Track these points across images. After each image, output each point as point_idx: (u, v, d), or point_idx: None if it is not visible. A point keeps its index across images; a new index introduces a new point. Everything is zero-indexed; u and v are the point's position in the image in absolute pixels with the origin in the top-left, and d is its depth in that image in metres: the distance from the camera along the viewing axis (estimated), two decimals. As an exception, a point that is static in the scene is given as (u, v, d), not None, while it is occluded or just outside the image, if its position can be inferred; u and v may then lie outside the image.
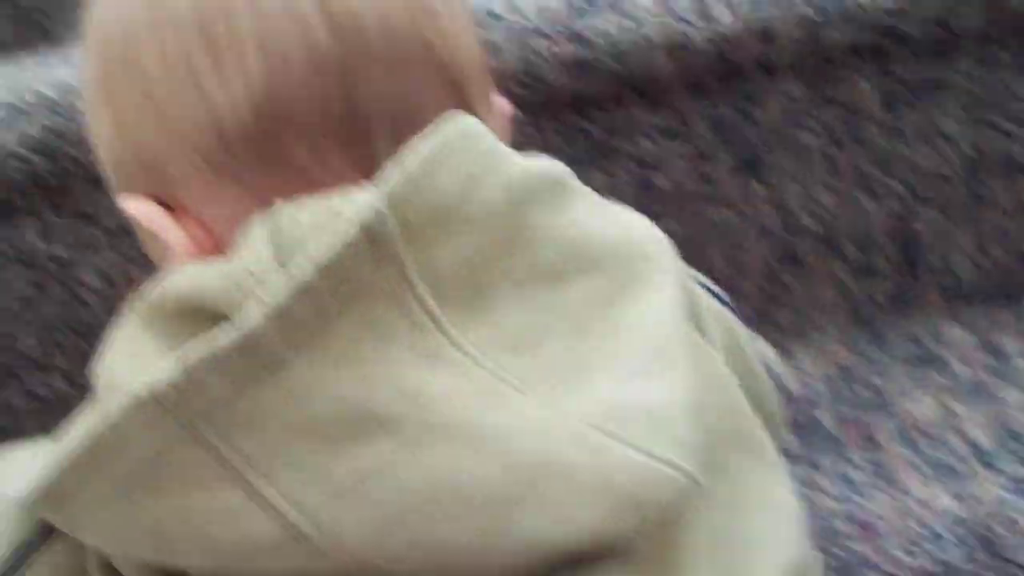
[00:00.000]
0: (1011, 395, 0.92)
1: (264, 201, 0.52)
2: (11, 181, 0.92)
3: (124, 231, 0.95)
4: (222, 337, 0.46)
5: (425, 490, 0.46)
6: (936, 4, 0.89)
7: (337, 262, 0.46)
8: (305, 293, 0.46)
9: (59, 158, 0.91)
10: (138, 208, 0.56)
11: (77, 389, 1.00)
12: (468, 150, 0.50)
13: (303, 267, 0.46)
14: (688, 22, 0.88)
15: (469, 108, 0.54)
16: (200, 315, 0.49)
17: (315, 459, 0.47)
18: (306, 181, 0.53)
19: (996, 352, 0.95)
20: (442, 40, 0.55)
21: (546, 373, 0.49)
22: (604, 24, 0.88)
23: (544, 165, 0.51)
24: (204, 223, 0.55)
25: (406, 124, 0.52)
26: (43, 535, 0.53)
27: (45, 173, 0.92)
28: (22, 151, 0.91)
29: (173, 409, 0.46)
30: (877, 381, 0.95)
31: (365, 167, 0.52)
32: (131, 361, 0.49)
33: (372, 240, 0.46)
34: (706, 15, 0.88)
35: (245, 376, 0.46)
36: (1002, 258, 0.98)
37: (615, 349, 0.50)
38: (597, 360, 0.49)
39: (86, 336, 0.99)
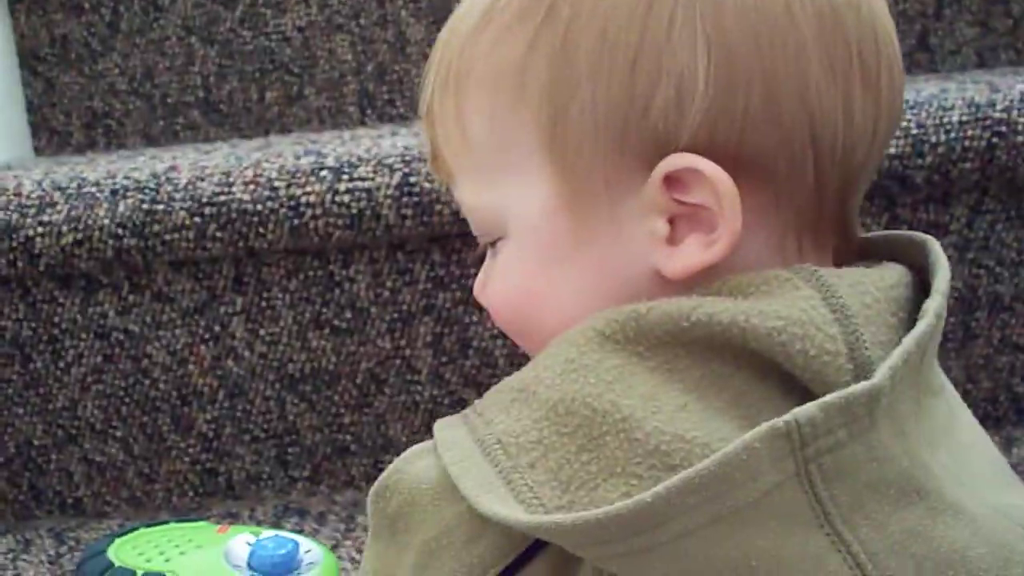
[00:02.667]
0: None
1: (784, 244, 0.56)
2: (102, 257, 1.01)
3: (196, 311, 1.04)
4: (858, 386, 0.49)
5: (946, 556, 0.50)
6: (937, 154, 1.01)
7: (917, 345, 0.52)
8: (904, 365, 0.51)
9: (148, 237, 1.00)
10: (723, 177, 0.54)
11: (131, 458, 1.07)
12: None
13: (907, 343, 0.51)
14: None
15: None
16: (723, 350, 0.51)
17: (879, 515, 0.50)
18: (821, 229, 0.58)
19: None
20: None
21: (954, 473, 0.53)
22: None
23: None
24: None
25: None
26: (526, 554, 0.53)
27: (133, 251, 1.01)
28: (116, 228, 1.00)
29: (800, 448, 0.49)
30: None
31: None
32: (666, 394, 0.51)
33: (933, 334, 0.54)
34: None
35: (858, 427, 0.49)
36: (988, 387, 1.08)
37: (971, 461, 0.56)
38: (967, 469, 0.55)
39: (146, 408, 1.06)
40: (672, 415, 0.51)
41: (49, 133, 1.34)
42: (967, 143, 1.01)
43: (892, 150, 1.00)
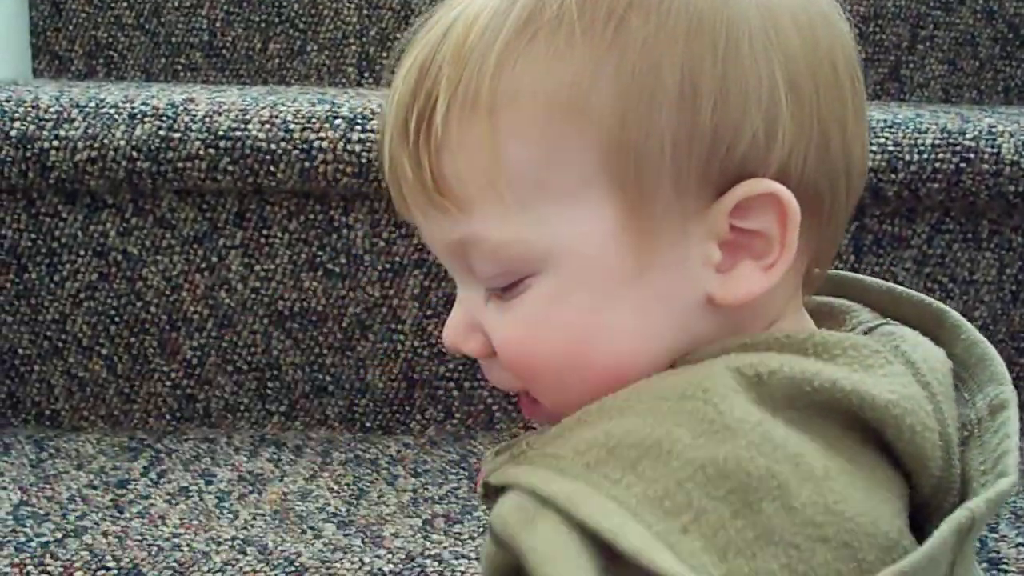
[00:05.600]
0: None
1: (802, 273, 0.59)
2: (112, 177, 1.04)
3: (196, 241, 1.08)
4: (1005, 482, 0.53)
5: None
6: (909, 172, 1.08)
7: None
8: None
9: (161, 163, 1.04)
10: (794, 203, 0.55)
11: (113, 376, 1.11)
12: None
13: (1016, 437, 0.55)
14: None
15: None
16: (834, 415, 0.53)
17: None
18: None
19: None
20: None
21: None
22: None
23: None
24: None
25: None
26: None
27: (144, 175, 1.04)
28: (130, 151, 1.04)
29: (965, 537, 0.52)
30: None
31: None
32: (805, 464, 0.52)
33: None
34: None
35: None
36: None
37: None
38: None
39: (135, 330, 1.10)
40: (819, 483, 0.51)
41: (50, 57, 1.36)
42: (937, 164, 1.08)
43: (869, 164, 1.07)
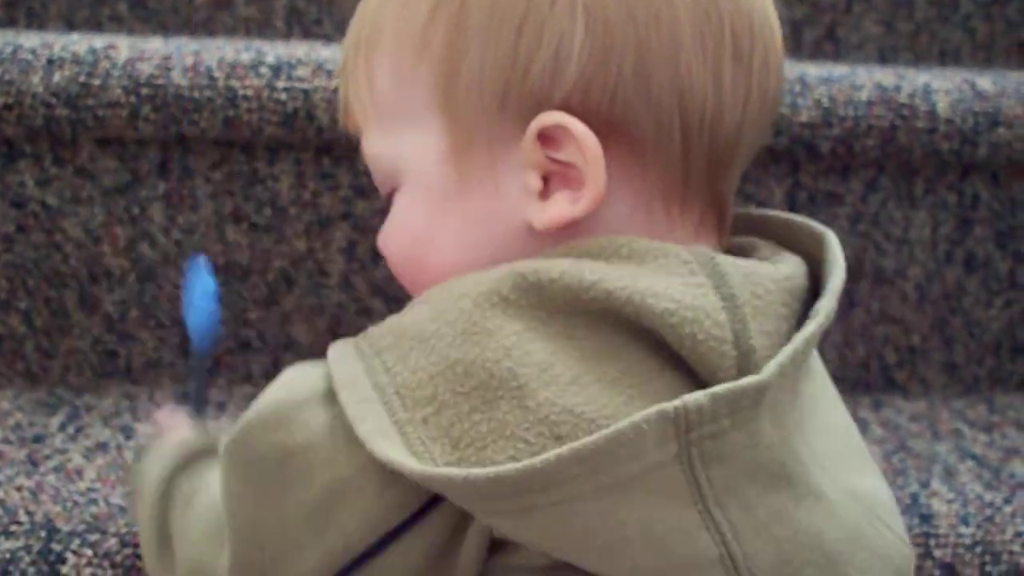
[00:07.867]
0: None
1: (651, 208, 0.60)
2: (30, 125, 1.01)
3: (117, 191, 1.05)
4: (745, 381, 0.53)
5: (804, 539, 0.55)
6: (844, 128, 1.07)
7: (806, 343, 0.56)
8: (791, 363, 0.55)
9: (80, 110, 1.00)
10: (589, 136, 0.59)
11: (32, 331, 1.07)
12: None
13: (797, 342, 0.55)
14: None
15: None
16: (618, 323, 0.55)
17: (749, 498, 0.54)
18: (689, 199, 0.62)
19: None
20: None
21: (820, 459, 0.58)
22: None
23: None
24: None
25: None
26: (426, 506, 0.56)
27: (62, 122, 1.01)
28: (48, 97, 1.00)
29: (684, 431, 0.52)
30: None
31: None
32: (540, 350, 0.55)
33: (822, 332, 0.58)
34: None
35: (741, 417, 0.53)
36: (863, 354, 1.15)
37: (830, 443, 0.60)
38: (827, 451, 0.59)
39: (54, 283, 1.06)
40: (564, 388, 0.54)
41: (-32, 6, 1.33)
42: (872, 121, 1.08)
43: (803, 119, 1.06)
